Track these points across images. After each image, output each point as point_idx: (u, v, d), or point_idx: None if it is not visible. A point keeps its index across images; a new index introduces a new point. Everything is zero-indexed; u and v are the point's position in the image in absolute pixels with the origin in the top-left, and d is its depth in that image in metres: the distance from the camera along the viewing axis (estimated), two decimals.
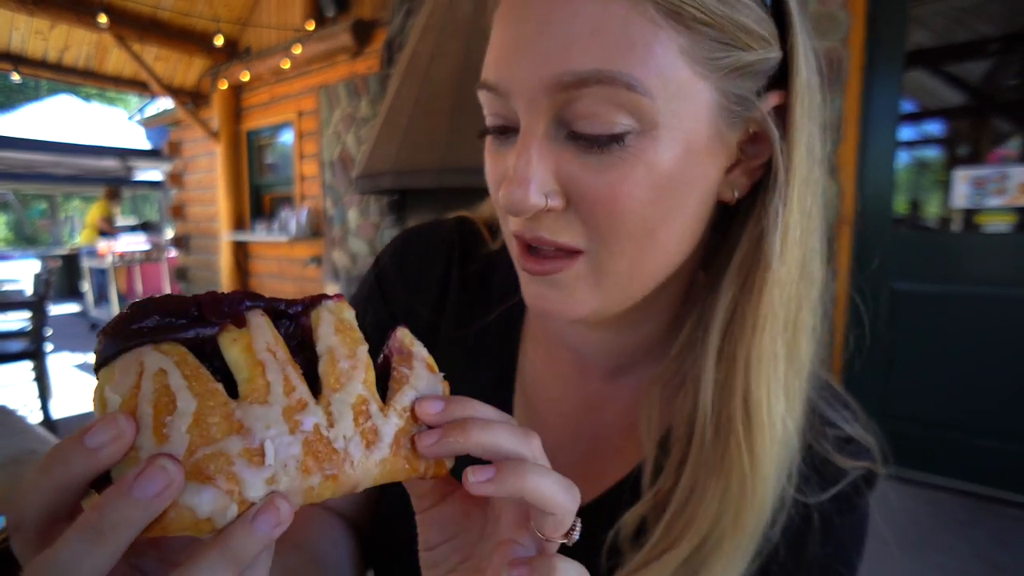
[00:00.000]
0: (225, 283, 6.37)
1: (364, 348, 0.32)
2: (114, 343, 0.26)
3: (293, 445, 0.27)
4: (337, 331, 0.31)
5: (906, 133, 2.80)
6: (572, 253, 0.39)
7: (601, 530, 0.45)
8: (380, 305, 0.58)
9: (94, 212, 7.92)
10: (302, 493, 0.27)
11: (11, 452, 0.96)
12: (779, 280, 0.40)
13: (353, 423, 0.29)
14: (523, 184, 0.36)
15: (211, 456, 0.24)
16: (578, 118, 0.36)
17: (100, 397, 0.25)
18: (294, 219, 5.46)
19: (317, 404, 0.28)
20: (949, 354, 2.59)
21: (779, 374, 0.41)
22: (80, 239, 8.41)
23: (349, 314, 0.33)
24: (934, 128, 3.00)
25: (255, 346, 0.28)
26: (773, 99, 0.39)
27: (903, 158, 2.78)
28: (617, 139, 0.35)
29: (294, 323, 0.32)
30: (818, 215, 0.42)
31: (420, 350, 0.34)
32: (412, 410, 0.31)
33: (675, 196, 0.38)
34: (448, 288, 0.57)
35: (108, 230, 7.65)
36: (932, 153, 2.98)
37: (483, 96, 0.41)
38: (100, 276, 7.23)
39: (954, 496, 2.55)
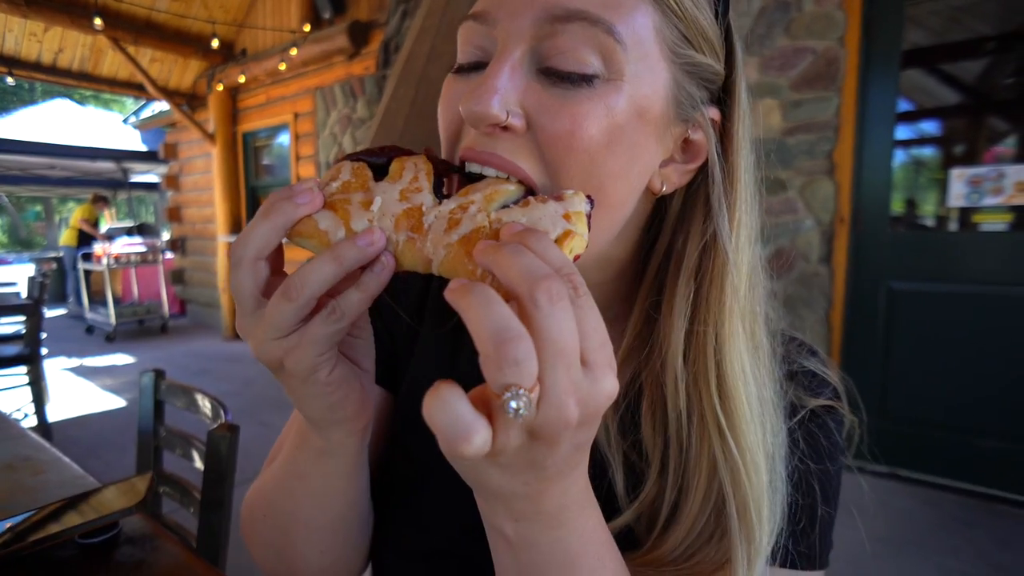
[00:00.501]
0: (221, 285, 6.35)
1: (505, 187, 0.36)
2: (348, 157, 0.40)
3: (397, 206, 0.36)
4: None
5: (902, 132, 2.80)
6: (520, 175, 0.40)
7: None
8: None
9: (77, 214, 7.90)
10: (391, 242, 0.35)
11: (5, 458, 0.95)
12: (736, 271, 0.43)
13: (450, 212, 0.35)
14: (489, 91, 0.37)
15: (340, 199, 0.36)
16: (555, 52, 0.38)
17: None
18: None
19: (429, 194, 0.36)
20: (948, 353, 2.60)
21: (745, 361, 0.43)
22: (61, 240, 8.39)
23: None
24: (930, 127, 3.00)
25: (404, 163, 0.38)
26: (713, 112, 0.44)
27: (899, 157, 2.79)
28: (586, 79, 0.38)
29: None
30: (755, 224, 0.46)
31: (575, 201, 0.34)
32: (504, 225, 0.34)
33: (624, 152, 0.40)
34: (427, 296, 0.60)
35: (91, 232, 7.62)
36: (928, 152, 2.98)
37: (465, 30, 0.42)
38: (88, 278, 7.20)
39: (954, 496, 2.55)
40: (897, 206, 2.80)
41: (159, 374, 1.22)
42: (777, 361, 0.47)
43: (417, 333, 0.59)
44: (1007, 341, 2.46)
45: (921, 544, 2.18)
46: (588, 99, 0.38)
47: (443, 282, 0.55)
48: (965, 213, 2.64)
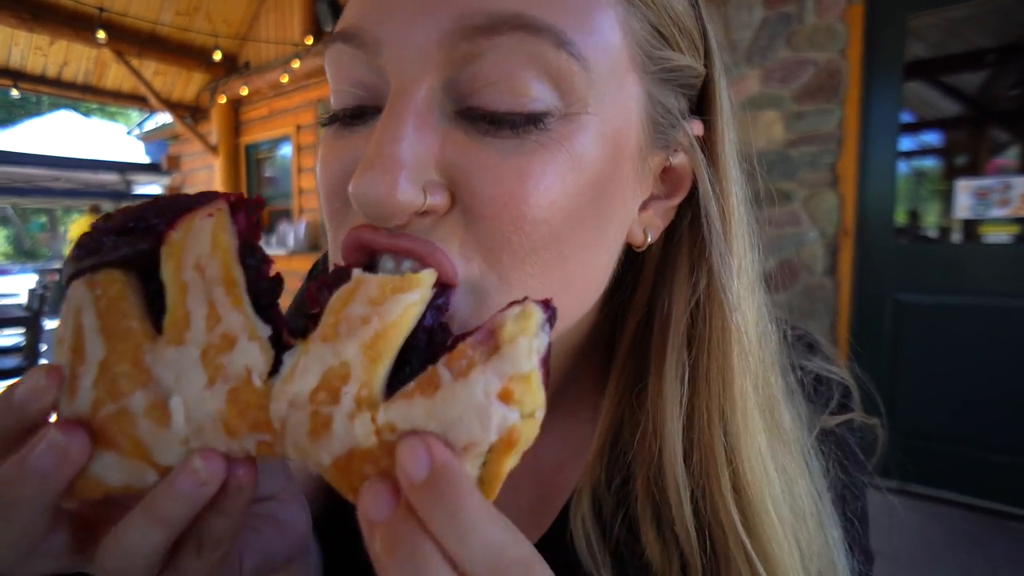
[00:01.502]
0: None
1: (404, 299, 0.21)
2: (66, 272, 0.24)
3: (213, 398, 0.21)
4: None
5: (904, 143, 2.79)
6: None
7: None
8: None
9: (76, 228, 7.96)
10: (237, 452, 0.21)
11: None
12: (742, 336, 0.32)
13: (310, 395, 0.21)
14: (389, 168, 0.24)
15: (114, 416, 0.21)
16: (480, 83, 0.26)
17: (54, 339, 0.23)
18: (292, 232, 5.45)
19: (251, 340, 0.21)
20: (956, 366, 2.56)
21: (766, 456, 0.32)
22: (66, 253, 8.46)
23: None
24: (932, 138, 3.00)
25: (183, 261, 0.22)
26: (697, 127, 0.33)
27: (902, 168, 2.78)
28: (534, 119, 0.26)
29: None
30: (758, 262, 0.35)
31: (517, 357, 0.20)
32: (398, 439, 0.20)
33: (596, 213, 0.28)
34: None
35: None
36: (930, 163, 2.97)
37: (334, 56, 0.29)
38: None
39: (963, 511, 2.50)
40: (900, 217, 2.78)
41: None
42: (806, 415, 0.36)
43: None
44: (1016, 353, 2.43)
45: (932, 561, 2.14)
46: (540, 148, 0.26)
47: None
48: (970, 224, 2.62)
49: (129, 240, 0.23)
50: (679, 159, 0.33)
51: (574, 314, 0.32)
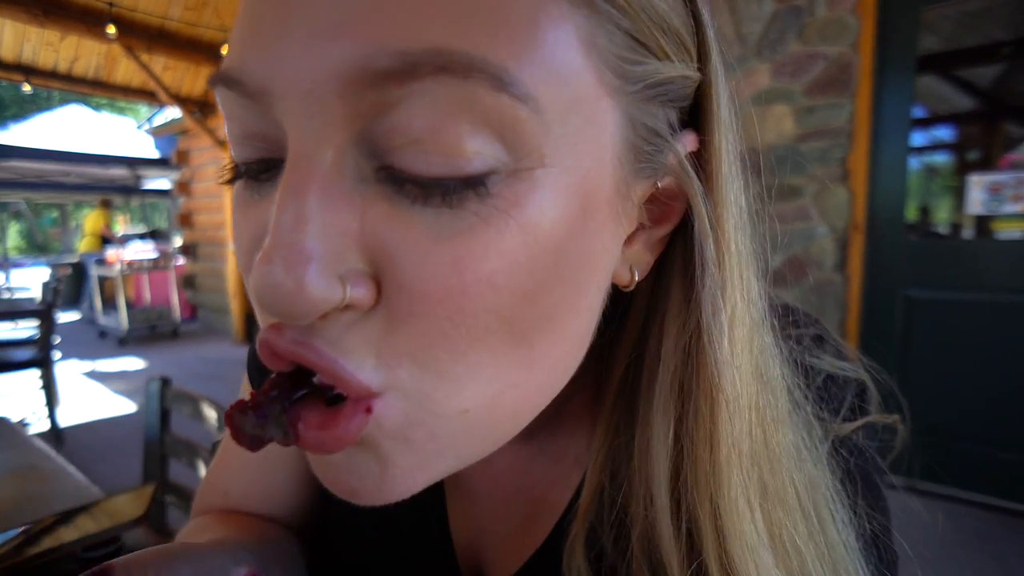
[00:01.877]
0: (232, 291, 6.39)
1: None
2: None
3: None
4: None
5: (916, 138, 2.76)
6: (361, 391, 0.22)
7: None
8: None
9: (93, 221, 8.01)
10: None
11: (10, 465, 0.95)
12: (728, 400, 0.27)
13: None
14: (292, 262, 0.19)
15: None
16: (401, 141, 0.20)
17: None
18: None
19: None
20: (967, 363, 2.54)
21: (758, 530, 0.28)
22: (81, 247, 8.48)
23: None
24: (943, 133, 2.97)
25: None
26: (690, 142, 0.27)
27: (913, 164, 2.75)
28: (473, 183, 0.20)
29: None
30: (762, 298, 0.30)
31: None
32: None
33: (563, 281, 0.23)
34: None
35: (111, 236, 7.75)
36: (942, 158, 2.94)
37: (223, 102, 0.24)
38: (103, 284, 7.28)
39: (974, 509, 2.49)
40: (911, 213, 2.76)
41: (165, 382, 1.21)
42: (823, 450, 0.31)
43: None
44: None
45: (943, 558, 2.13)
46: (481, 224, 0.21)
47: None
48: (982, 220, 2.59)
49: None
50: (668, 181, 0.27)
51: (551, 385, 0.27)
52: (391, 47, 0.19)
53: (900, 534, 0.42)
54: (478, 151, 0.20)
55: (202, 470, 1.06)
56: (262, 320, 0.24)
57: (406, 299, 0.21)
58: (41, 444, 1.04)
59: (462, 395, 0.23)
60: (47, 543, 0.68)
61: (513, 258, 0.21)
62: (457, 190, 0.20)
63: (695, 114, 0.28)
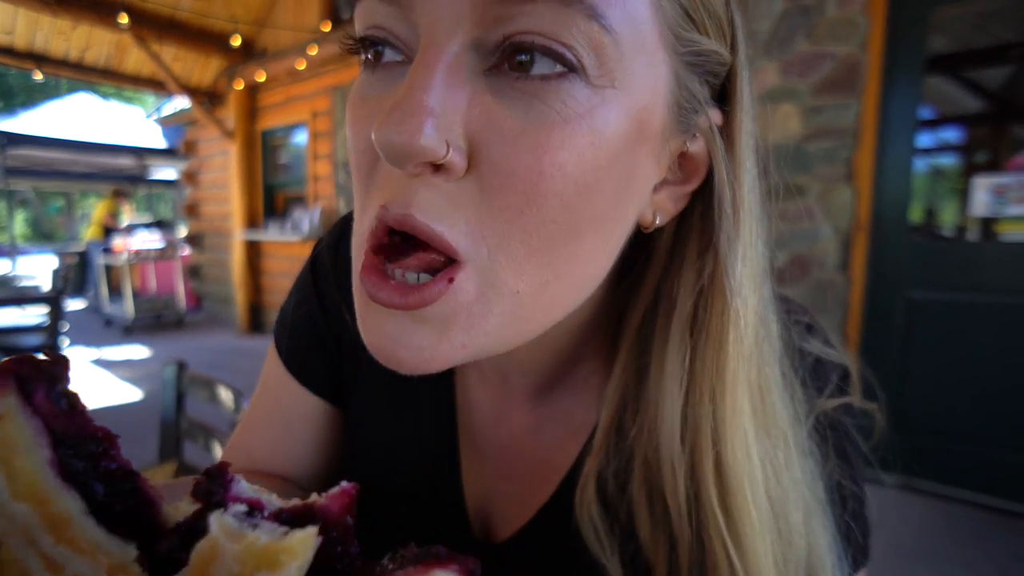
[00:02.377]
0: (237, 282, 6.42)
1: None
2: None
3: None
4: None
5: (923, 140, 2.77)
6: (447, 264, 0.28)
7: (531, 557, 0.41)
8: (312, 298, 0.51)
9: (101, 209, 8.03)
10: None
11: None
12: (744, 324, 0.33)
13: None
14: (416, 112, 0.25)
15: None
16: (511, 46, 0.26)
17: None
18: (307, 219, 5.50)
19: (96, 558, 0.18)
20: (966, 364, 2.56)
21: (752, 444, 0.33)
22: (86, 235, 8.51)
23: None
24: (950, 135, 2.97)
25: None
26: (717, 116, 0.33)
27: (920, 165, 2.76)
28: (560, 83, 0.26)
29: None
30: (765, 257, 0.35)
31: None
32: None
33: (612, 189, 0.29)
34: None
35: (114, 226, 7.77)
36: (948, 160, 2.94)
37: (367, 10, 0.29)
38: (109, 272, 7.33)
39: (971, 508, 2.51)
40: (916, 215, 2.77)
41: (181, 366, 1.24)
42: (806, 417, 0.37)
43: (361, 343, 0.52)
44: None
45: (940, 555, 2.16)
46: (563, 120, 0.26)
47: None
48: (986, 222, 2.60)
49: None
50: (697, 146, 0.33)
51: (582, 288, 0.32)
52: None
53: (900, 532, 0.44)
54: (569, 60, 0.25)
55: (218, 451, 1.09)
56: (366, 189, 0.30)
57: (495, 173, 0.26)
58: None
59: (519, 277, 0.28)
60: None
61: (581, 153, 0.27)
62: (546, 89, 0.26)
63: (722, 96, 0.34)
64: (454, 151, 0.26)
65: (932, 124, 2.87)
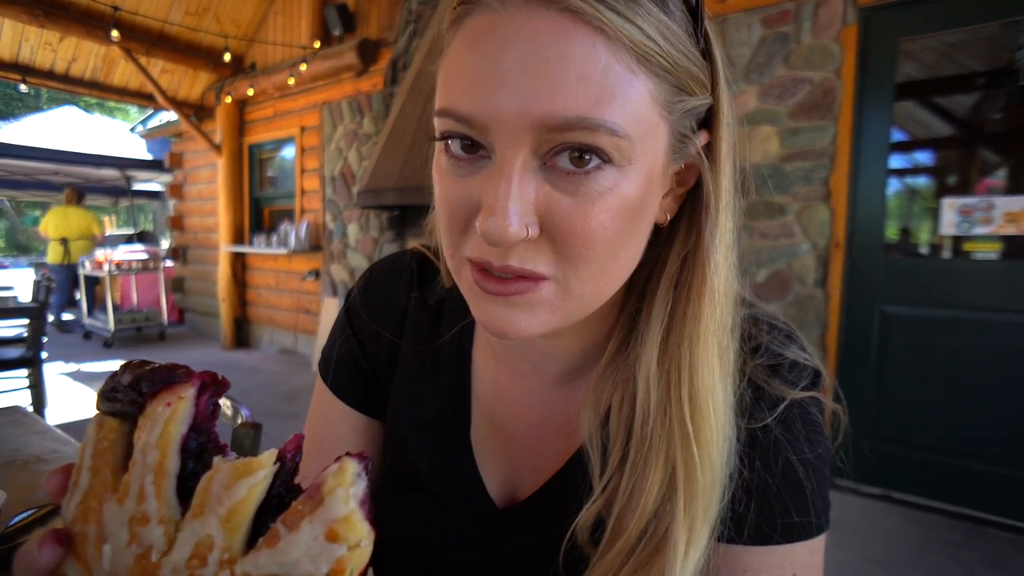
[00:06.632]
0: (221, 295, 6.38)
1: (247, 482, 0.27)
2: (100, 402, 0.31)
3: (127, 555, 0.27)
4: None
5: (897, 161, 2.88)
6: (537, 278, 0.40)
7: (551, 517, 0.50)
8: (349, 335, 0.64)
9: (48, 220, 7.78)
10: None
11: (35, 451, 0.99)
12: (714, 287, 0.44)
13: (186, 563, 0.26)
14: (505, 215, 0.37)
15: (80, 535, 0.29)
16: (559, 155, 0.38)
17: None
18: (294, 232, 5.50)
19: (159, 524, 0.27)
20: (939, 377, 2.65)
21: (714, 367, 0.45)
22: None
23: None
24: (924, 157, 3.09)
25: (139, 441, 0.28)
26: (703, 137, 0.44)
27: (894, 186, 2.87)
28: (596, 169, 0.38)
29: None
30: (735, 234, 0.47)
31: (335, 505, 0.26)
32: None
33: (636, 223, 0.41)
34: (407, 313, 0.62)
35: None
36: (922, 181, 3.07)
37: (447, 123, 0.40)
38: (92, 285, 7.21)
39: (944, 518, 2.58)
40: (892, 233, 2.87)
41: None
42: (742, 353, 0.48)
43: (398, 353, 0.62)
44: (997, 366, 2.52)
45: (911, 564, 2.21)
46: (601, 195, 0.38)
47: (420, 300, 0.62)
48: (957, 241, 2.71)
49: (128, 399, 0.30)
50: (689, 160, 0.45)
51: (622, 280, 0.45)
52: (559, 114, 0.36)
53: (876, 541, 0.52)
54: (598, 159, 0.37)
55: None
56: (456, 244, 0.43)
57: (560, 235, 0.39)
58: (59, 432, 1.08)
59: (583, 286, 0.41)
60: (61, 523, 0.73)
61: (614, 212, 0.39)
62: (587, 176, 0.38)
63: (707, 119, 0.44)
64: (531, 228, 0.38)
65: (905, 147, 3.00)
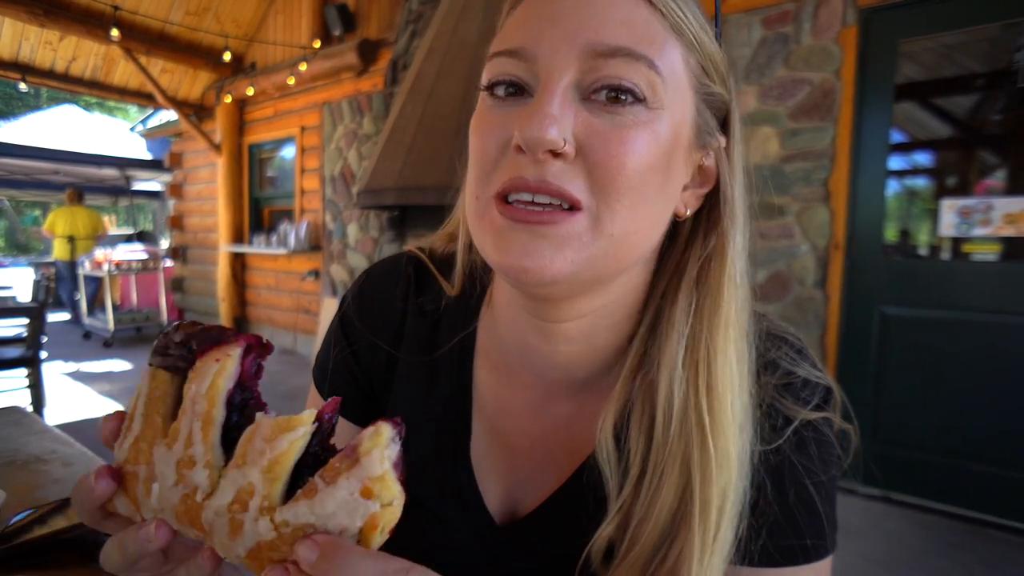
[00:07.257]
0: (221, 295, 6.38)
1: (288, 437, 0.29)
2: (152, 356, 0.33)
3: (174, 494, 0.30)
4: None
5: (896, 163, 2.89)
6: (571, 209, 0.40)
7: (553, 534, 0.49)
8: (344, 346, 0.61)
9: (52, 218, 7.81)
10: (185, 533, 0.31)
11: (34, 451, 0.99)
12: (735, 285, 0.46)
13: (228, 507, 0.29)
14: (546, 119, 0.38)
15: (131, 474, 0.32)
16: (601, 82, 0.40)
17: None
18: (293, 232, 5.50)
19: (204, 468, 0.29)
20: (939, 378, 2.65)
21: (733, 367, 0.45)
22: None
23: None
24: (923, 158, 3.09)
25: (188, 391, 0.31)
26: (722, 139, 0.47)
27: (893, 187, 2.87)
28: (632, 104, 0.40)
29: None
30: (748, 238, 0.49)
31: (371, 465, 0.28)
32: (291, 531, 0.28)
33: (662, 176, 0.42)
34: (405, 321, 0.60)
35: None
36: (922, 183, 3.07)
37: (498, 64, 0.43)
38: (91, 284, 7.20)
39: (944, 519, 2.58)
40: (891, 235, 2.87)
41: None
42: (756, 367, 0.48)
43: (396, 363, 0.60)
44: (997, 367, 2.52)
45: (912, 566, 2.22)
46: (635, 125, 0.40)
47: (418, 308, 0.59)
48: (957, 243, 2.71)
49: (179, 355, 0.32)
50: (709, 161, 0.47)
51: (646, 242, 0.45)
52: (605, 43, 0.39)
53: (876, 543, 0.51)
54: (638, 91, 0.40)
55: None
56: (486, 177, 0.43)
57: (596, 158, 0.40)
58: (58, 432, 1.08)
59: (613, 224, 0.41)
60: (60, 522, 0.73)
61: (646, 144, 0.40)
62: (625, 107, 0.40)
63: (724, 127, 0.48)
64: (568, 143, 0.39)
65: (904, 148, 3.00)
